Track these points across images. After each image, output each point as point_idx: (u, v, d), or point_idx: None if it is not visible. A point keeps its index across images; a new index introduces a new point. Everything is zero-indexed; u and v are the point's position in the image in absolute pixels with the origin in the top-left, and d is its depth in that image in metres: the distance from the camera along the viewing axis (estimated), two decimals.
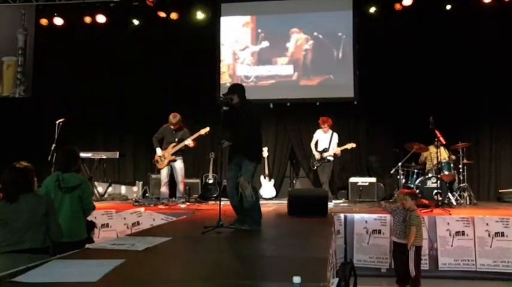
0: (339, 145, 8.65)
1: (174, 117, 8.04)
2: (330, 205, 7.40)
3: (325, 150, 8.57)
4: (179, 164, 8.12)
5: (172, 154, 8.03)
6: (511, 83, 9.18)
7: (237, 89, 5.20)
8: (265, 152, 9.26)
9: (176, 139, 8.05)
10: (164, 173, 8.11)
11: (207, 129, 8.03)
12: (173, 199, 8.19)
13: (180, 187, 8.15)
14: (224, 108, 5.07)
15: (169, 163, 8.08)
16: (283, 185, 10.14)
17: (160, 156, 8.06)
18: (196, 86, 10.22)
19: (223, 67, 10.41)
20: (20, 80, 10.90)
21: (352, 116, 10.07)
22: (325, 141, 8.66)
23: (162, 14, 10.29)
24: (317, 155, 8.61)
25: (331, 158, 8.59)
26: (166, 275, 2.80)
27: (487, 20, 9.14)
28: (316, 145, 8.75)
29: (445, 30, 9.35)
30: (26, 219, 3.40)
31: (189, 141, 7.98)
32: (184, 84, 10.19)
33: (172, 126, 8.07)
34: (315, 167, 8.70)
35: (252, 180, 5.13)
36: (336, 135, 8.69)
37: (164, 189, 8.15)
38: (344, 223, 6.53)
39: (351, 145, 8.63)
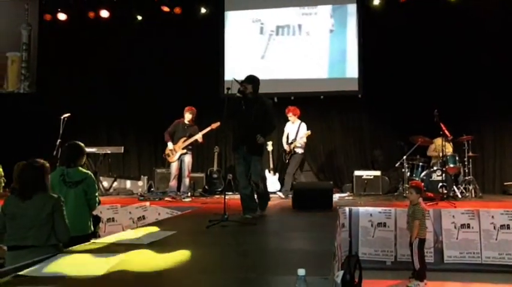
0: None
1: (192, 111, 8.10)
2: (335, 198, 7.35)
3: (293, 142, 8.46)
4: (188, 158, 8.15)
5: (183, 148, 8.06)
6: None
7: (253, 79, 5.24)
8: (269, 146, 9.21)
9: (187, 134, 8.07)
10: (174, 167, 8.13)
11: (218, 123, 7.99)
12: (178, 192, 8.22)
13: (186, 181, 8.18)
14: (237, 94, 5.11)
15: (180, 156, 8.10)
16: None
17: (171, 149, 8.08)
18: (200, 81, 10.18)
19: (227, 62, 10.37)
20: (24, 76, 10.95)
21: (357, 109, 10.05)
22: (293, 132, 8.56)
23: (166, 9, 10.28)
24: (286, 148, 8.55)
25: (299, 150, 8.46)
26: (171, 268, 2.80)
27: (492, 13, 9.06)
28: (287, 137, 8.67)
29: (449, 23, 9.27)
30: (31, 217, 3.39)
31: (199, 136, 8.02)
32: (188, 80, 10.17)
33: (187, 121, 8.11)
34: (287, 161, 8.58)
35: (263, 172, 5.54)
36: (303, 126, 8.53)
37: (173, 183, 8.18)
38: (349, 216, 6.52)
39: (307, 133, 8.42)
